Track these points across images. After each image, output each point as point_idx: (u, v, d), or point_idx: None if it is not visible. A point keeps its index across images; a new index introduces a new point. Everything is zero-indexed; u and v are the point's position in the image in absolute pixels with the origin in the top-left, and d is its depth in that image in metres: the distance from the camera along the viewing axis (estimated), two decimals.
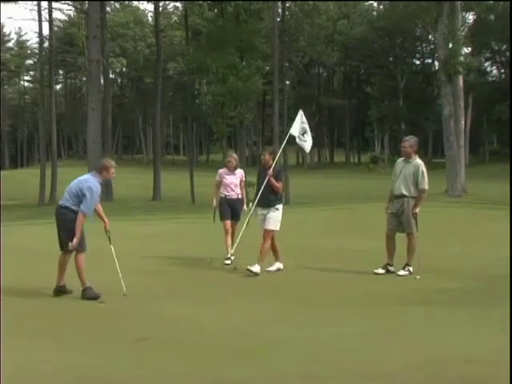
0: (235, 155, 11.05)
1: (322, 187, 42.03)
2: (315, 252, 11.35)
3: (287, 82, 67.81)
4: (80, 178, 8.00)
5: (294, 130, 10.30)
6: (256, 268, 8.98)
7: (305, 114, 10.73)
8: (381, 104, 73.57)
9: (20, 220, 21.59)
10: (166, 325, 6.43)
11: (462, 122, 29.36)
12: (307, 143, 10.49)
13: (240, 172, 10.69)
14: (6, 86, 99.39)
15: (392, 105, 70.62)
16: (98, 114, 32.10)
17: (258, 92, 37.78)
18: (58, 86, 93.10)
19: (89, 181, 7.82)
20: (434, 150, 71.75)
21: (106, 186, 32.22)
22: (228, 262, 9.95)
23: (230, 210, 10.45)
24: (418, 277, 8.64)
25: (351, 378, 4.67)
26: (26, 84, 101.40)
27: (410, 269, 8.99)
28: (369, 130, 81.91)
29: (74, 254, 7.86)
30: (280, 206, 9.38)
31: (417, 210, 9.03)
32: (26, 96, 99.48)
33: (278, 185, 9.33)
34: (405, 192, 9.04)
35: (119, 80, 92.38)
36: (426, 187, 9.09)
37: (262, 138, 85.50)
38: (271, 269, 9.38)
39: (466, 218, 16.33)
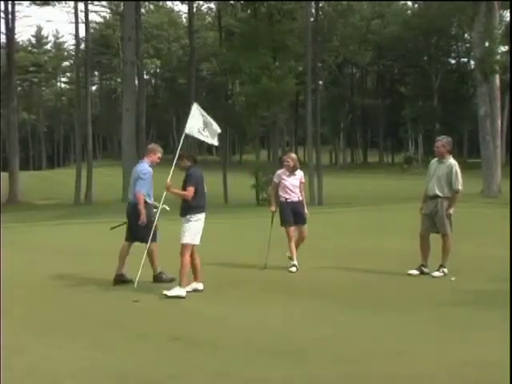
0: (293, 155, 10.15)
1: (355, 188, 41.80)
2: (350, 252, 11.29)
3: (320, 82, 67.48)
4: (135, 169, 8.86)
5: (192, 127, 8.62)
6: (173, 292, 7.64)
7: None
8: (415, 104, 72.86)
9: (55, 219, 21.95)
10: (201, 324, 6.47)
11: (499, 122, 28.91)
12: (211, 137, 8.81)
13: (300, 173, 9.83)
14: (43, 88, 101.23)
15: (426, 105, 69.86)
16: (132, 115, 32.48)
17: (290, 92, 37.75)
18: (94, 88, 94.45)
19: (139, 166, 8.74)
20: (469, 150, 70.76)
21: None
22: (293, 269, 9.40)
23: (293, 213, 9.61)
24: (453, 278, 8.55)
25: (386, 379, 4.66)
26: (63, 85, 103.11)
27: (445, 270, 8.89)
28: (403, 130, 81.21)
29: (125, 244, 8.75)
30: (192, 217, 7.84)
31: (451, 211, 8.90)
32: (63, 97, 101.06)
33: (183, 192, 7.88)
34: (439, 193, 8.92)
35: (153, 81, 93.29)
36: (460, 188, 8.96)
37: (295, 139, 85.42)
38: (187, 289, 7.84)
39: (501, 218, 16.04)
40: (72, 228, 18.12)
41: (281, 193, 9.73)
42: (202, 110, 8.77)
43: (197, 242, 7.90)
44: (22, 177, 44.40)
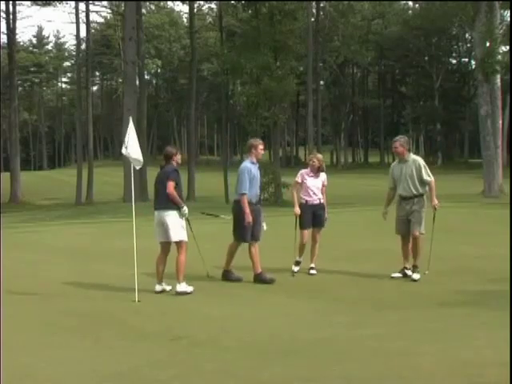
0: (320, 156, 9.72)
1: (357, 187, 41.78)
2: (351, 252, 11.29)
3: (321, 82, 67.52)
4: None
5: (131, 147, 8.06)
6: (180, 288, 7.88)
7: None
8: (416, 104, 72.85)
9: (57, 220, 21.95)
10: (203, 324, 6.48)
11: (500, 122, 28.88)
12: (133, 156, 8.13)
13: (323, 175, 9.46)
14: (44, 88, 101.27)
15: (427, 105, 69.84)
16: (133, 115, 32.46)
17: (292, 92, 37.74)
18: (95, 88, 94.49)
19: (241, 165, 8.75)
20: (470, 151, 70.74)
21: (142, 187, 32.58)
22: (295, 268, 9.23)
23: (313, 216, 9.30)
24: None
25: (389, 380, 4.66)
26: (64, 86, 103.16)
27: (418, 270, 8.82)
28: (404, 130, 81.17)
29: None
30: (174, 213, 7.93)
31: (437, 202, 8.79)
32: (64, 97, 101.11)
33: (167, 188, 7.90)
34: (414, 192, 8.80)
35: (154, 81, 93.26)
36: (432, 178, 8.85)
37: (296, 139, 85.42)
38: (157, 288, 8.04)
39: (503, 218, 16.05)
40: (74, 228, 18.12)
41: (302, 194, 9.39)
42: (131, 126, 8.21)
43: (157, 239, 8.10)
44: (23, 177, 44.44)
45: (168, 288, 8.08)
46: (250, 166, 8.67)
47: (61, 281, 8.86)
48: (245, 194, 8.50)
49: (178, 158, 8.18)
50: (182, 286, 7.88)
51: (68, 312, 7.11)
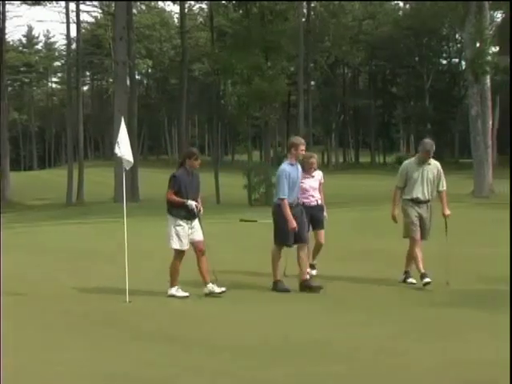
0: (315, 155, 9.55)
1: (348, 188, 41.84)
2: (347, 253, 11.26)
3: (312, 83, 67.46)
4: None
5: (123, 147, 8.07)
6: (170, 291, 7.84)
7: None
8: (406, 104, 73.05)
9: (48, 220, 21.87)
10: (197, 324, 6.47)
11: (490, 122, 28.99)
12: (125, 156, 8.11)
13: (319, 173, 9.24)
14: (34, 88, 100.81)
15: (418, 105, 70.10)
16: (124, 115, 32.39)
17: (282, 92, 37.75)
18: (85, 88, 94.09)
19: (279, 167, 8.37)
20: (460, 151, 71.05)
21: (133, 187, 32.52)
22: (313, 272, 8.97)
23: (311, 218, 8.89)
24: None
25: (389, 379, 4.67)
26: (54, 85, 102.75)
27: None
28: (394, 130, 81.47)
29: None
30: (168, 219, 7.98)
31: (448, 212, 8.62)
32: (54, 97, 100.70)
33: (167, 194, 7.91)
34: (430, 197, 8.63)
35: (145, 81, 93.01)
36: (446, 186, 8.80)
37: (287, 139, 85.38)
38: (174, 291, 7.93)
39: (493, 218, 16.12)
40: (65, 228, 18.05)
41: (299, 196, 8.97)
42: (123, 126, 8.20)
43: (174, 246, 8.04)
44: (13, 177, 44.23)
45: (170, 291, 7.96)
46: (288, 170, 8.20)
47: (53, 281, 8.83)
48: (284, 198, 8.08)
49: (195, 162, 7.88)
50: (172, 290, 7.84)
51: (62, 313, 7.08)
